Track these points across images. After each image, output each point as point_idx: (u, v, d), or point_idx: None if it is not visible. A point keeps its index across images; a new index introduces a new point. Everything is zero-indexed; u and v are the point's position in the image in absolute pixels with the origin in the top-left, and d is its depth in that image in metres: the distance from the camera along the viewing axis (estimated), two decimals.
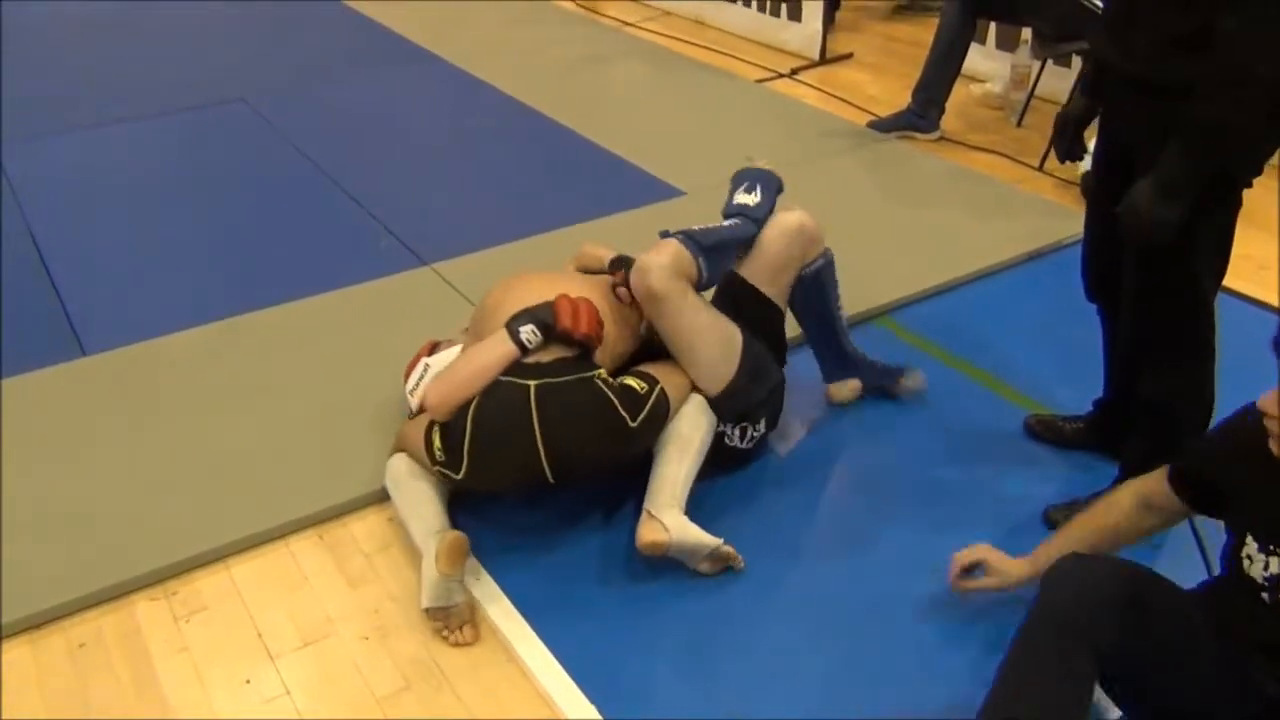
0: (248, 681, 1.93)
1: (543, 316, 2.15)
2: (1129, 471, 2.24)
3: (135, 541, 2.20)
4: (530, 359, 2.13)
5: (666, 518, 2.06)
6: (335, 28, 5.63)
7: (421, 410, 2.28)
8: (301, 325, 2.95)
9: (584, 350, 2.18)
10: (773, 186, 2.44)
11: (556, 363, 2.14)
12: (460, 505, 2.24)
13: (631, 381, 2.18)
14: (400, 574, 2.15)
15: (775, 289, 2.40)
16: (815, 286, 2.46)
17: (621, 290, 2.33)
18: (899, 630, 2.01)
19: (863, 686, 1.89)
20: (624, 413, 2.11)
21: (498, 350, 2.13)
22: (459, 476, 2.11)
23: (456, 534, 2.04)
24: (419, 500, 2.16)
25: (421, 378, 2.39)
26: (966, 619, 2.01)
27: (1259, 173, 1.94)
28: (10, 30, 5.40)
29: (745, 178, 2.46)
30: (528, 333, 2.12)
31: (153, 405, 2.63)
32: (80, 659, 1.99)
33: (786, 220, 2.40)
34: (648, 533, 2.06)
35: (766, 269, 2.39)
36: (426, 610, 2.00)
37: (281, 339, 2.89)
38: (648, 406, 2.16)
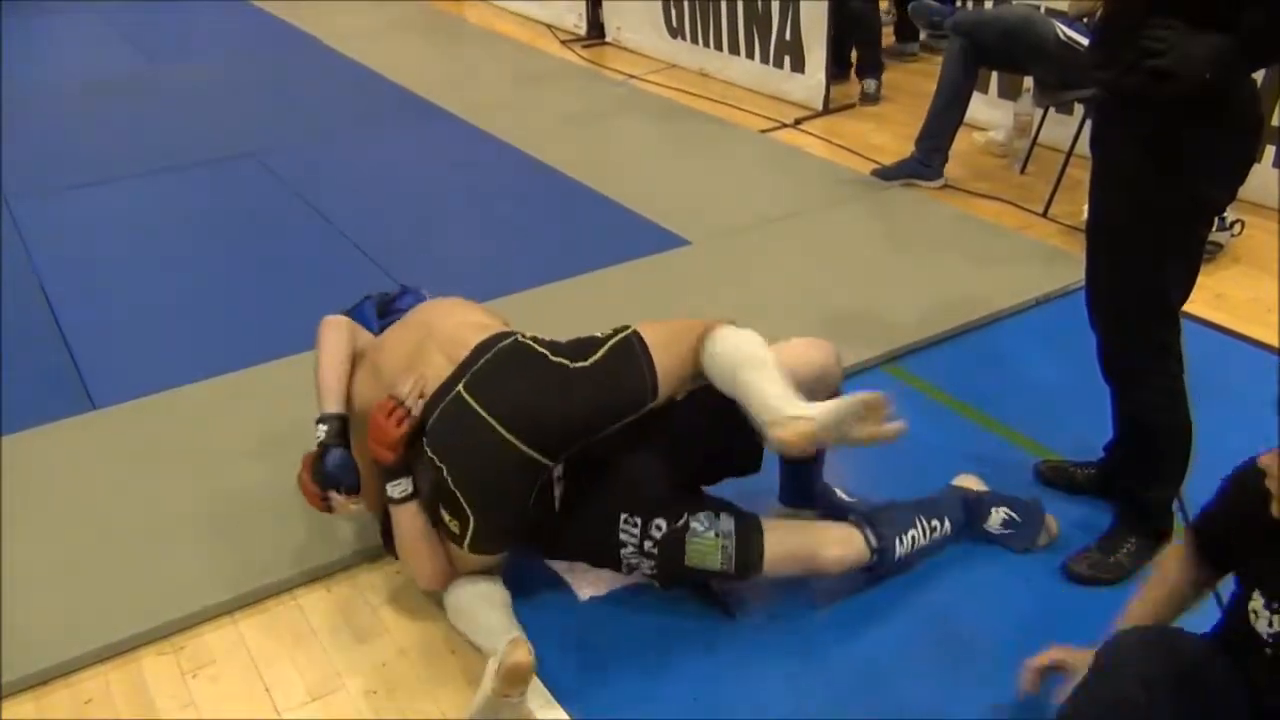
0: None
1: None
2: (1125, 492, 2.24)
3: (142, 596, 2.20)
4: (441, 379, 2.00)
5: (791, 411, 1.81)
6: (346, 84, 5.70)
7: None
8: (312, 377, 2.95)
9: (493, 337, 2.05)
10: (1034, 525, 2.28)
11: (462, 363, 2.01)
12: None
13: (596, 332, 2.04)
14: (408, 627, 2.14)
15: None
16: None
17: None
18: (904, 691, 1.97)
19: None
20: (560, 360, 1.96)
21: (403, 518, 2.04)
22: (472, 528, 1.94)
23: (525, 650, 1.84)
24: (482, 602, 2.03)
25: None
26: (970, 680, 1.98)
27: (1232, 195, 1.98)
28: (27, 91, 5.49)
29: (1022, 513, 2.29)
30: (398, 489, 2.02)
31: (162, 458, 2.63)
32: (86, 716, 1.97)
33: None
34: (785, 433, 1.79)
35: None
36: None
37: (291, 391, 2.88)
38: (604, 348, 1.97)
